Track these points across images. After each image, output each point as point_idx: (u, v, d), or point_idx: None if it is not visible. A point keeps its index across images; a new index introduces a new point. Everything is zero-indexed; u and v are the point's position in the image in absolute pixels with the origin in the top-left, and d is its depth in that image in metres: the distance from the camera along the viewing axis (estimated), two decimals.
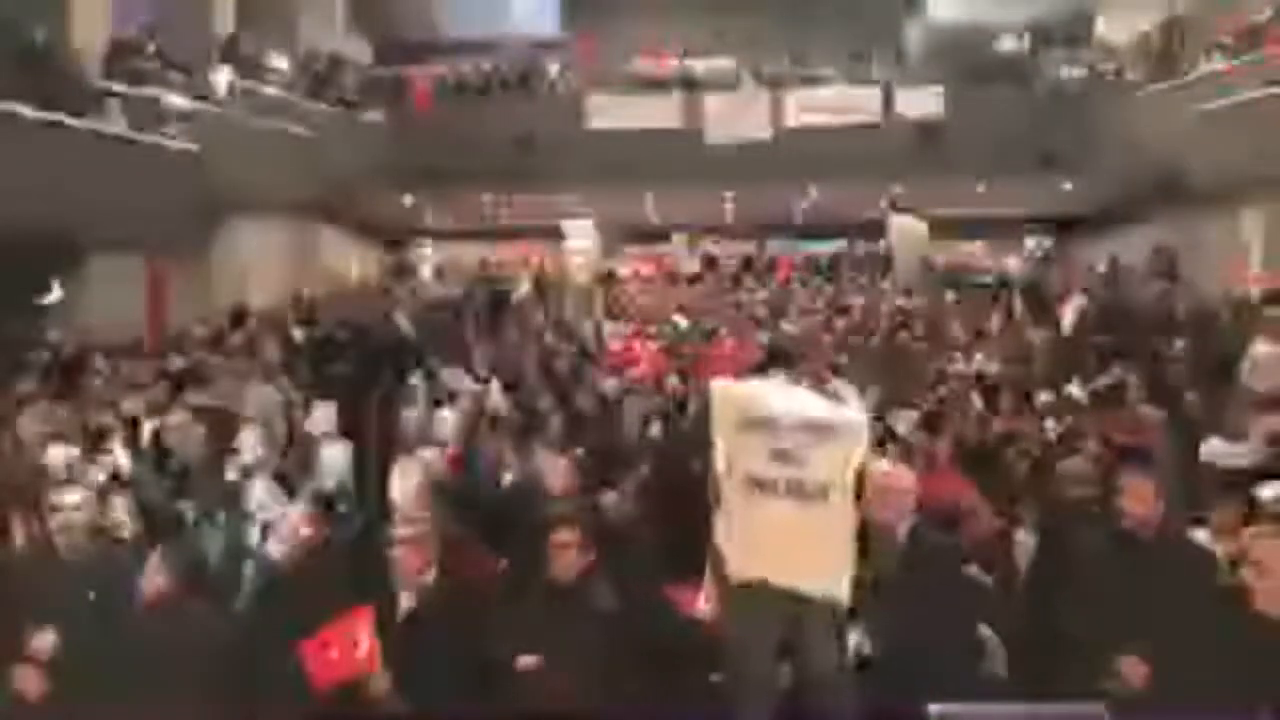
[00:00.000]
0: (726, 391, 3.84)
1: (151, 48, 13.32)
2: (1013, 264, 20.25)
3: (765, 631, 3.56)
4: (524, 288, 16.96)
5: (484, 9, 22.17)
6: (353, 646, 3.58)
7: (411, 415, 7.06)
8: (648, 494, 5.42)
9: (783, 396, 3.77)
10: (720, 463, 3.64)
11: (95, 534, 4.19)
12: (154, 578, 3.72)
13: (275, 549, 4.43)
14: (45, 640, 3.70)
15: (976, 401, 7.98)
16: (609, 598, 4.10)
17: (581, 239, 20.44)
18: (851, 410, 3.88)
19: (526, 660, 3.80)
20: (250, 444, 5.64)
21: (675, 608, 4.04)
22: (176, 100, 12.70)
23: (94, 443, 6.11)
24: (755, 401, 3.71)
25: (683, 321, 14.10)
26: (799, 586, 3.51)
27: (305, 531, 4.33)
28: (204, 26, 15.72)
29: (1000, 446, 6.30)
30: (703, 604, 3.86)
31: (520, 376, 9.42)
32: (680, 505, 4.49)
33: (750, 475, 3.58)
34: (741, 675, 3.58)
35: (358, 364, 9.53)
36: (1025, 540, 4.82)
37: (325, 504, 5.19)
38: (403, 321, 12.27)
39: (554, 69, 19.11)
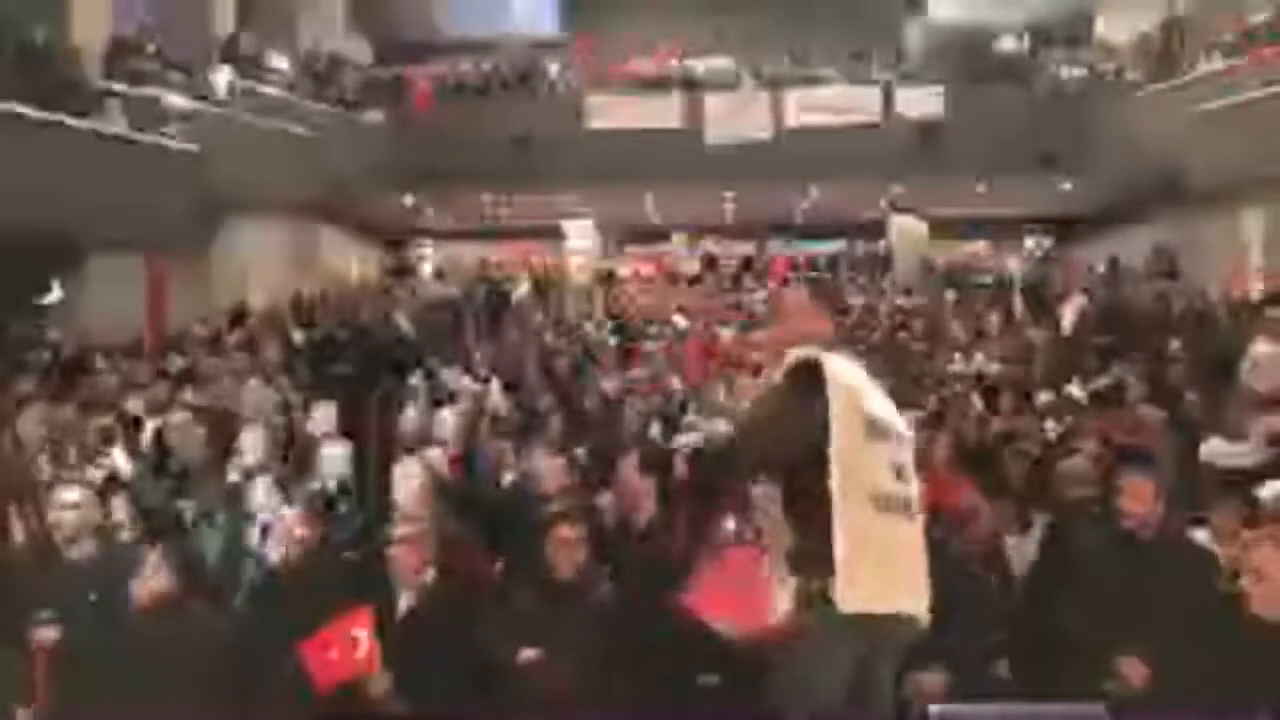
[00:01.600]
0: (842, 381, 3.04)
1: (151, 48, 13.32)
2: (1013, 264, 20.25)
3: (851, 656, 3.04)
4: (524, 288, 16.96)
5: (484, 9, 22.15)
6: (352, 647, 3.58)
7: (411, 415, 7.06)
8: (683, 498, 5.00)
9: (878, 395, 3.17)
10: (835, 471, 2.97)
11: (94, 533, 4.19)
12: (148, 579, 3.71)
13: (273, 550, 4.43)
14: (48, 633, 3.70)
15: (976, 402, 7.98)
16: (608, 596, 4.10)
17: (581, 239, 20.44)
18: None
19: (528, 654, 3.80)
20: (252, 444, 5.64)
21: (686, 615, 3.78)
22: (176, 100, 12.71)
23: (94, 443, 6.12)
24: (868, 400, 3.08)
25: (682, 321, 14.12)
26: (917, 610, 3.09)
27: (300, 532, 4.33)
28: (204, 26, 15.72)
29: (1000, 446, 6.30)
30: (770, 617, 3.25)
31: (520, 376, 9.42)
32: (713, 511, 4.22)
33: (876, 492, 3.01)
34: (812, 694, 3.02)
35: (358, 364, 9.54)
36: (1025, 540, 4.81)
37: (325, 504, 5.20)
38: (403, 321, 12.29)
39: (554, 69, 19.11)
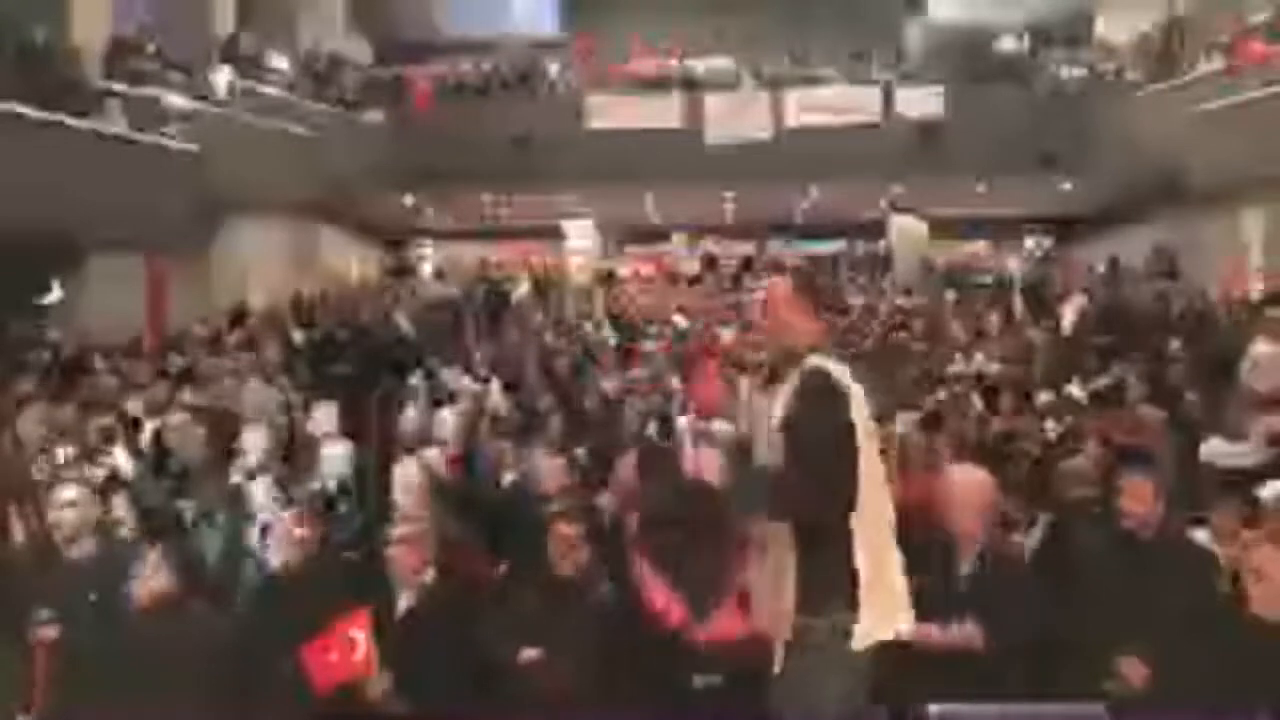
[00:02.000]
0: (855, 396, 2.91)
1: (151, 48, 13.33)
2: (1013, 264, 20.26)
3: (857, 674, 2.95)
4: (524, 288, 16.96)
5: (484, 9, 22.16)
6: (350, 649, 3.58)
7: (411, 415, 7.06)
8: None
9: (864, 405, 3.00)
10: (866, 495, 2.88)
11: (95, 531, 4.19)
12: (148, 579, 3.71)
13: (273, 551, 4.43)
14: (48, 632, 3.71)
15: (976, 402, 7.97)
16: (608, 595, 4.10)
17: (581, 239, 20.45)
18: None
19: (528, 654, 3.81)
20: (254, 444, 5.64)
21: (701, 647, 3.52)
22: (176, 100, 12.71)
23: (94, 442, 6.12)
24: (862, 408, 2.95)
25: (683, 321, 14.12)
26: (907, 625, 3.03)
27: (300, 532, 4.32)
28: (204, 26, 15.73)
29: (1000, 446, 6.29)
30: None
31: (520, 376, 9.42)
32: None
33: (887, 512, 2.99)
34: (816, 707, 2.91)
35: (358, 364, 9.55)
36: (1027, 540, 4.81)
37: (325, 504, 5.20)
38: (403, 321, 12.30)
39: (554, 69, 19.11)
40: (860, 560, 2.85)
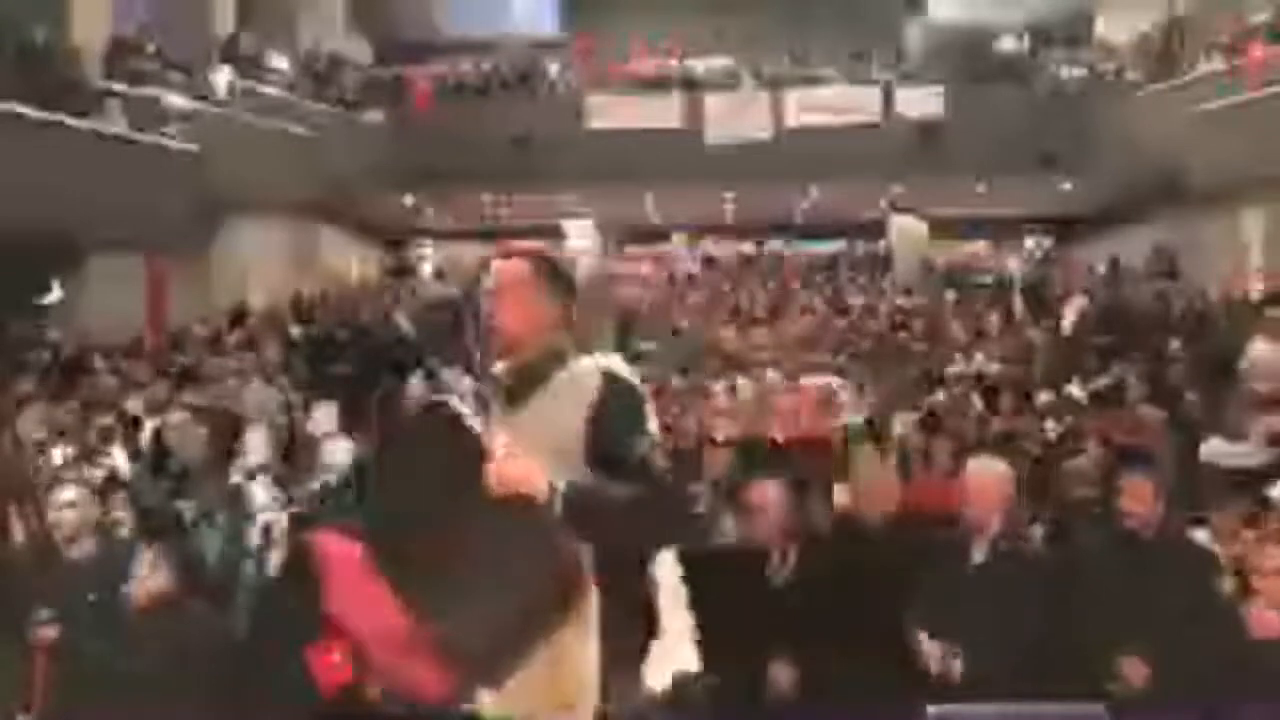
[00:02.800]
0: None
1: (151, 48, 13.34)
2: (1013, 264, 20.25)
3: None
4: None
5: (484, 9, 22.16)
6: (354, 650, 3.58)
7: None
8: None
9: None
10: None
11: (94, 530, 4.19)
12: (144, 581, 3.71)
13: (275, 551, 4.42)
14: (48, 632, 3.71)
15: (976, 401, 7.97)
16: None
17: (581, 239, 20.44)
18: None
19: None
20: (257, 445, 5.63)
21: None
22: (176, 100, 12.72)
23: (94, 442, 6.12)
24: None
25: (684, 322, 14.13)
26: None
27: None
28: (204, 26, 15.73)
29: (1000, 446, 6.29)
30: None
31: None
32: None
33: None
34: None
35: (358, 364, 9.54)
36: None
37: (324, 503, 5.18)
38: (403, 321, 12.29)
39: (554, 69, 19.12)
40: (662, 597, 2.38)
